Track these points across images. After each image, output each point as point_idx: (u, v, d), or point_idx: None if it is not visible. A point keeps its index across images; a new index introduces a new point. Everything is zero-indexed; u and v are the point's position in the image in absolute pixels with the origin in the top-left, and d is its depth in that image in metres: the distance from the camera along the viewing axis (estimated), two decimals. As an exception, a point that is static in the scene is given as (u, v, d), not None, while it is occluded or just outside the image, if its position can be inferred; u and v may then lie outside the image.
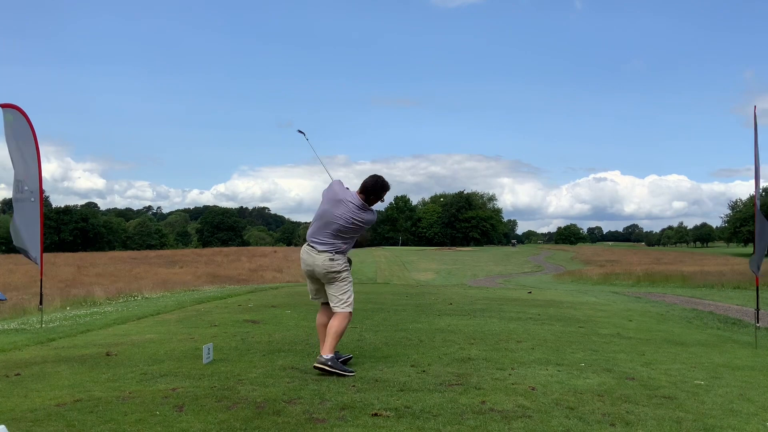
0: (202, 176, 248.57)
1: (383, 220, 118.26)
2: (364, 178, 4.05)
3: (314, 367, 3.89)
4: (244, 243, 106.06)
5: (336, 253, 3.96)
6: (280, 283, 21.76)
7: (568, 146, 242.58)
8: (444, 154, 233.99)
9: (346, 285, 4.01)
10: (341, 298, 3.99)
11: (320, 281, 4.07)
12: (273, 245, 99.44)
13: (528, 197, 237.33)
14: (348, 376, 3.81)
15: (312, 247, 3.98)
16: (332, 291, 4.00)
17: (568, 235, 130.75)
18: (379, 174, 4.03)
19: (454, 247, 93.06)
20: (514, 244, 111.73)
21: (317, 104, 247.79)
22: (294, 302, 9.32)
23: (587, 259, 55.29)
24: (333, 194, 3.99)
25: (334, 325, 3.95)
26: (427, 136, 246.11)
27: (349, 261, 4.10)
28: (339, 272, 3.96)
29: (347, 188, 4.07)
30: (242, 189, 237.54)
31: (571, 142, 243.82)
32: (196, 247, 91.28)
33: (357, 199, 3.97)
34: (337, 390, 3.46)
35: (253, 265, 41.89)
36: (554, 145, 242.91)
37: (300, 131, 4.60)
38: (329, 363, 3.82)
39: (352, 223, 3.94)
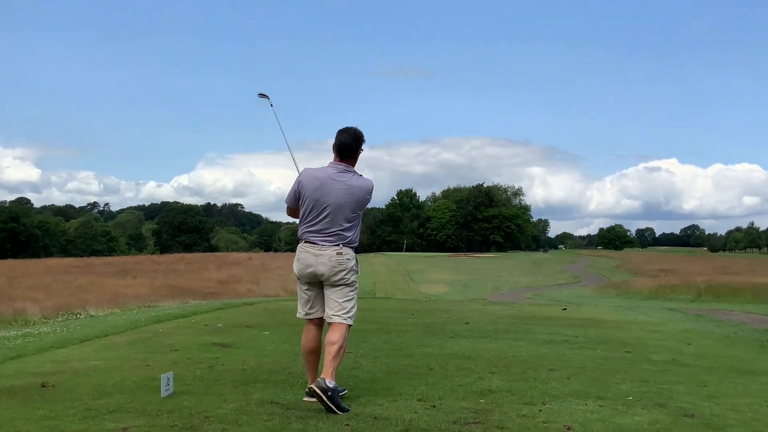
0: (159, 165, 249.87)
1: (384, 220, 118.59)
2: (335, 139, 4.11)
3: (309, 390, 3.87)
4: (212, 248, 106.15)
5: (344, 245, 4.04)
6: (257, 297, 21.74)
7: (613, 128, 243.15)
8: (459, 137, 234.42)
9: (352, 291, 4.09)
10: (345, 306, 4.04)
11: (320, 287, 4.11)
12: (248, 251, 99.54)
13: (563, 191, 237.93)
14: (343, 414, 3.81)
15: (312, 243, 4.04)
16: (335, 296, 4.05)
17: (612, 239, 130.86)
18: (346, 127, 4.11)
19: (471, 254, 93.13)
20: (549, 250, 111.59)
21: (304, 76, 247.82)
22: (274, 321, 9.32)
23: (636, 267, 55.35)
24: (312, 179, 4.05)
25: (335, 340, 3.94)
26: (439, 115, 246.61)
27: (356, 260, 4.16)
28: (349, 271, 4.04)
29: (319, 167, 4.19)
30: (209, 181, 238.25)
31: (618, 124, 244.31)
32: (152, 253, 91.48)
33: (340, 167, 4.08)
34: (327, 429, 3.46)
35: (223, 275, 41.90)
36: (596, 127, 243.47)
37: (262, 95, 4.67)
38: (330, 393, 3.77)
39: (351, 197, 4.02)
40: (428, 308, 13.77)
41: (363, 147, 4.15)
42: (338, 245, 4.02)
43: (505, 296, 31.72)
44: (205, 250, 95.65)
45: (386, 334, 7.88)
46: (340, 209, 4.00)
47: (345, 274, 4.04)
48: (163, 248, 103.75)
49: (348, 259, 4.04)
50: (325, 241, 4.02)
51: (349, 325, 4.07)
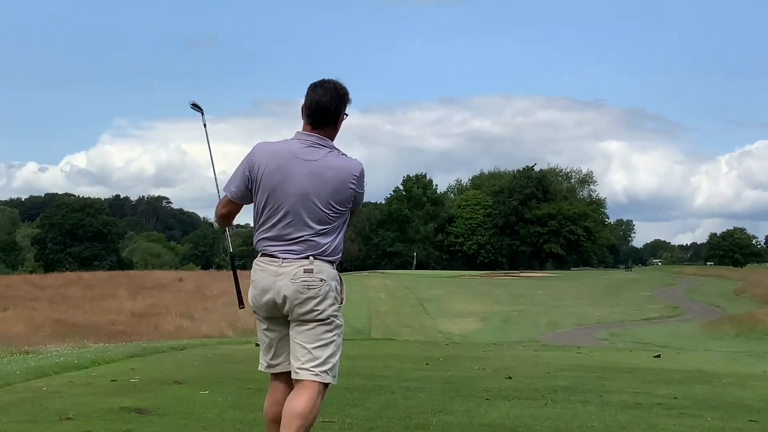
0: (43, 139, 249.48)
1: (383, 222, 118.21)
2: (306, 98, 4.09)
3: None
4: (124, 264, 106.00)
5: (316, 258, 4.00)
6: (191, 339, 21.73)
7: (730, 84, 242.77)
8: (497, 95, 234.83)
9: (331, 332, 4.00)
10: (317, 355, 3.94)
11: (285, 324, 4.06)
12: (177, 268, 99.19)
13: (656, 178, 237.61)
14: None
15: (271, 257, 4.03)
16: (303, 338, 3.97)
17: (729, 249, 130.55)
18: (323, 80, 4.10)
19: (514, 272, 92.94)
20: (633, 266, 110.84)
21: (261, 6, 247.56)
22: (216, 375, 9.31)
23: (766, 293, 55.24)
24: (269, 158, 4.03)
25: (301, 408, 3.85)
26: (467, 63, 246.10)
27: (341, 282, 4.10)
28: (323, 299, 3.97)
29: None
30: (119, 163, 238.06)
31: (738, 77, 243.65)
32: (32, 272, 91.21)
33: (311, 139, 4.05)
34: None
35: (139, 305, 41.69)
36: (705, 82, 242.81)
37: (195, 106, 4.82)
38: None
39: (325, 184, 3.98)
40: (451, 354, 13.74)
41: (348, 110, 4.14)
42: (307, 258, 3.98)
43: (567, 336, 31.65)
44: (112, 267, 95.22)
45: (387, 395, 7.87)
46: (307, 203, 3.97)
47: (317, 304, 3.95)
48: (49, 264, 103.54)
49: (322, 279, 3.97)
50: (287, 252, 3.99)
51: (326, 385, 4.00)
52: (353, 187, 4.03)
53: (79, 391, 8.02)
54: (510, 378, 9.73)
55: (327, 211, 3.99)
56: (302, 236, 3.98)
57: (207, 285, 53.98)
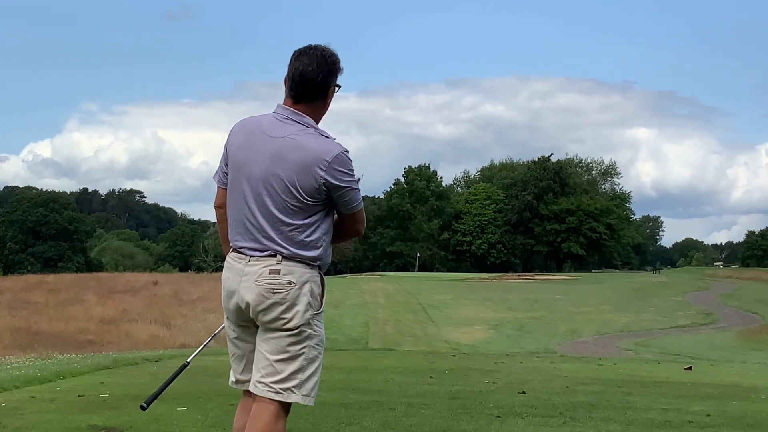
0: (1, 126, 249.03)
1: (382, 218, 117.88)
2: (289, 67, 3.92)
3: None
4: (92, 266, 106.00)
5: (286, 258, 3.81)
6: (166, 349, 21.74)
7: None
8: (511, 77, 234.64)
9: (300, 345, 3.82)
10: (281, 370, 3.80)
11: (252, 332, 3.92)
12: (151, 270, 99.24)
13: (688, 169, 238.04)
14: None
15: (239, 254, 3.90)
16: (267, 348, 3.82)
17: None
18: (308, 47, 3.91)
19: (528, 274, 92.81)
20: (661, 268, 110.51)
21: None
22: (195, 389, 9.31)
23: (810, 298, 55.30)
24: (238, 133, 3.94)
25: (258, 429, 3.78)
26: (478, 41, 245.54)
27: (323, 285, 3.89)
28: (290, 306, 3.79)
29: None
30: (88, 152, 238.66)
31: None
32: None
33: (285, 112, 3.88)
34: None
35: (109, 311, 41.66)
36: (743, 64, 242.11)
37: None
38: None
39: (289, 166, 3.76)
40: (458, 367, 13.75)
41: (338, 82, 3.95)
42: (275, 256, 3.81)
43: (587, 347, 31.66)
44: (79, 269, 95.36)
45: (387, 411, 7.88)
46: (268, 188, 3.80)
47: (284, 311, 3.77)
48: (9, 265, 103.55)
49: (290, 282, 3.78)
50: (254, 249, 3.85)
51: (289, 405, 3.85)
52: (323, 174, 3.74)
53: (43, 407, 8.02)
54: (524, 393, 9.75)
55: (288, 199, 3.77)
56: (267, 229, 3.82)
57: (185, 289, 53.95)
